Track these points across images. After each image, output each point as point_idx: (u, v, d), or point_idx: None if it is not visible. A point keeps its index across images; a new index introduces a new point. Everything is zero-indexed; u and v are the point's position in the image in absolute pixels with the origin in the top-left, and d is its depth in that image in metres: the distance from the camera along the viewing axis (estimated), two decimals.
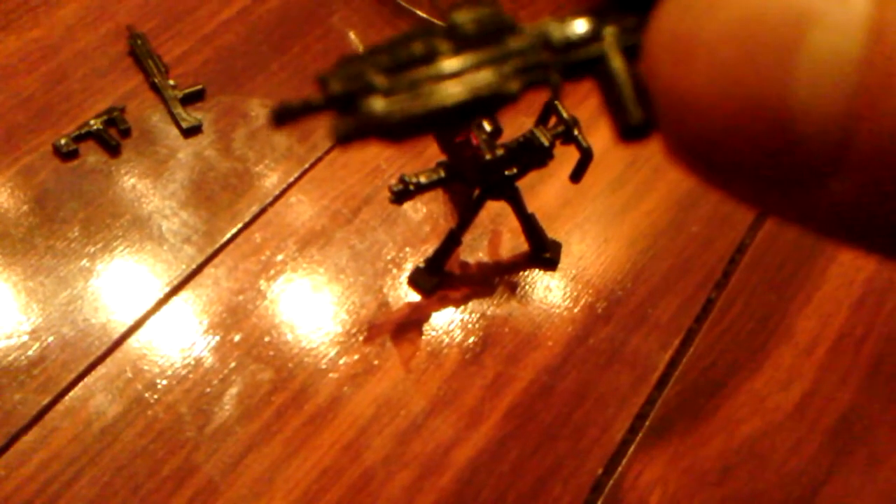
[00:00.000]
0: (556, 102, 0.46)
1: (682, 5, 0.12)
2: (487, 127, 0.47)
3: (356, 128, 0.14)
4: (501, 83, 0.14)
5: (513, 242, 0.55)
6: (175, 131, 0.58)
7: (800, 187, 0.12)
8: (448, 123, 0.14)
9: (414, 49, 0.14)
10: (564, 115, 0.46)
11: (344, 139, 0.14)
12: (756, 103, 0.11)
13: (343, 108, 0.14)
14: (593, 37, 0.14)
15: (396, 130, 0.14)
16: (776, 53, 0.11)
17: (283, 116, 0.14)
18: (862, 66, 0.10)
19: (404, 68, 0.14)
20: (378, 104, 0.14)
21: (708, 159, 0.12)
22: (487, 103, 0.14)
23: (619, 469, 0.46)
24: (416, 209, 0.56)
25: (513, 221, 0.53)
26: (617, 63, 0.14)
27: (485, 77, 0.14)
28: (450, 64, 0.14)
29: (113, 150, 0.57)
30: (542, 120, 0.48)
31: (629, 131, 0.14)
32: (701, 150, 0.12)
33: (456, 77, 0.14)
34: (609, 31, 0.14)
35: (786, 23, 0.11)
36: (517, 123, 0.51)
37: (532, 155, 0.47)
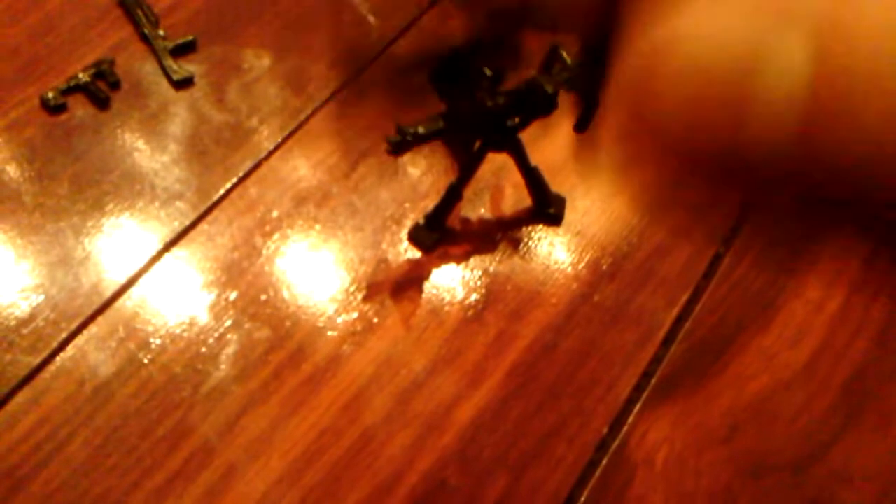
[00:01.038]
0: (561, 49, 0.44)
1: (636, 57, 0.13)
2: (488, 72, 0.45)
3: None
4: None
5: (515, 197, 0.53)
6: (166, 84, 0.57)
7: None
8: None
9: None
10: (569, 61, 0.44)
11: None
12: (711, 134, 0.13)
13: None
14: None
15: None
16: (728, 99, 0.12)
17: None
18: (808, 98, 0.11)
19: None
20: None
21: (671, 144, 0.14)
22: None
23: (625, 428, 0.45)
24: (415, 163, 0.54)
25: (515, 175, 0.51)
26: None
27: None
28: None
29: (102, 104, 0.55)
30: (545, 67, 0.46)
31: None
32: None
33: None
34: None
35: (737, 70, 0.12)
36: (520, 72, 0.49)
37: (535, 103, 0.45)
